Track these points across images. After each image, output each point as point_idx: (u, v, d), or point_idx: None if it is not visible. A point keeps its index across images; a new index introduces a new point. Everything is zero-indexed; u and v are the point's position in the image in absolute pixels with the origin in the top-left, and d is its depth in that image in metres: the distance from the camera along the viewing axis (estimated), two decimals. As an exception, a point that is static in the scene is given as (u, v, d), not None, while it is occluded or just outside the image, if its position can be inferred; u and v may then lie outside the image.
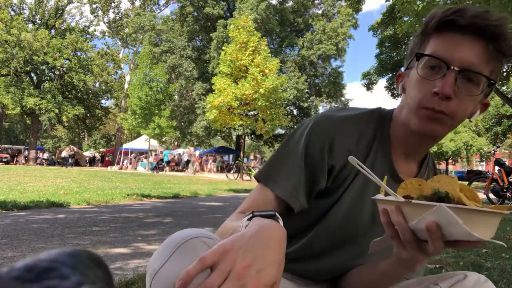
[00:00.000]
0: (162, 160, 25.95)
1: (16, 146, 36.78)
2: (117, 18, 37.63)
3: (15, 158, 31.21)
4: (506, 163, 7.66)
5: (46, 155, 32.36)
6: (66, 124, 33.93)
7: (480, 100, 0.80)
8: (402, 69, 0.90)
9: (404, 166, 0.89)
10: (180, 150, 29.65)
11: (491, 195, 7.48)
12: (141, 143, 30.47)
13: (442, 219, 0.56)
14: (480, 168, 54.06)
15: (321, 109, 35.51)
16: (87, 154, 37.62)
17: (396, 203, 0.63)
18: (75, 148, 35.33)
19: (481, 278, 0.77)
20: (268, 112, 20.95)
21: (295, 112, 33.31)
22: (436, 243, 0.59)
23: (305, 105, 30.89)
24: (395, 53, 19.50)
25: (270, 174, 0.84)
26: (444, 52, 0.75)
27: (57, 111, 29.36)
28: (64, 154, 27.56)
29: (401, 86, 0.86)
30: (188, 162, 24.21)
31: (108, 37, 38.71)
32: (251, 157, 24.90)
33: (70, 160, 26.79)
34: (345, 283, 0.93)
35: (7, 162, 28.27)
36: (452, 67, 0.73)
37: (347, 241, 0.89)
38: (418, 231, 0.61)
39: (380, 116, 0.91)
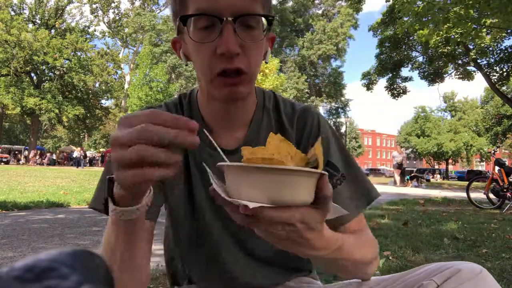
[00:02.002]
0: None
1: (16, 146, 36.81)
2: (117, 18, 37.65)
3: (18, 157, 31.36)
4: (506, 163, 7.65)
5: (54, 156, 32.60)
6: (66, 124, 33.92)
7: (265, 38, 0.72)
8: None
9: (229, 137, 0.81)
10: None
11: (491, 195, 7.48)
12: (141, 143, 30.48)
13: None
14: (480, 168, 54.17)
15: (321, 109, 35.51)
16: (87, 154, 37.65)
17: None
18: (75, 148, 35.34)
19: (475, 268, 0.68)
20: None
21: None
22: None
23: (305, 105, 31.02)
24: (395, 53, 19.48)
25: (95, 198, 0.76)
26: (209, 3, 0.64)
27: (57, 111, 29.39)
28: (75, 154, 27.63)
29: (182, 54, 0.76)
30: None
31: (108, 37, 38.74)
32: None
33: (83, 160, 26.91)
34: None
35: (7, 162, 28.30)
36: (224, 19, 0.64)
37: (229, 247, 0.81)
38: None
39: (182, 99, 0.84)
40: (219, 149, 0.56)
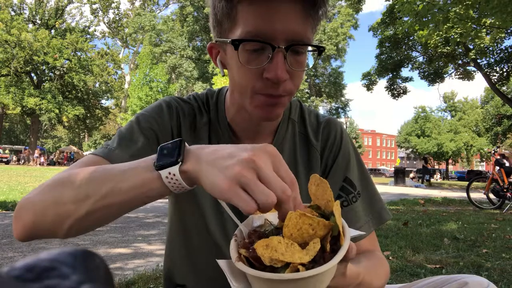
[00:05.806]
0: None
1: (16, 146, 36.82)
2: (117, 18, 37.64)
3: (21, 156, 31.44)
4: (506, 163, 7.65)
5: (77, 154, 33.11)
6: (66, 124, 33.92)
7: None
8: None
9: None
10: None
11: (491, 195, 7.49)
12: (141, 143, 30.47)
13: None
14: (480, 168, 54.13)
15: (321, 109, 35.53)
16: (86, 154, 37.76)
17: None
18: (75, 148, 35.38)
19: (483, 282, 0.69)
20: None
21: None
22: None
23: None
24: (395, 54, 19.46)
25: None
26: (262, 27, 0.63)
27: (57, 111, 29.37)
28: None
29: (219, 62, 0.74)
30: None
31: (108, 37, 38.74)
32: None
33: None
34: None
35: (7, 162, 28.29)
36: (277, 46, 0.63)
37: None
38: None
39: (208, 98, 0.84)
40: (235, 220, 0.54)
